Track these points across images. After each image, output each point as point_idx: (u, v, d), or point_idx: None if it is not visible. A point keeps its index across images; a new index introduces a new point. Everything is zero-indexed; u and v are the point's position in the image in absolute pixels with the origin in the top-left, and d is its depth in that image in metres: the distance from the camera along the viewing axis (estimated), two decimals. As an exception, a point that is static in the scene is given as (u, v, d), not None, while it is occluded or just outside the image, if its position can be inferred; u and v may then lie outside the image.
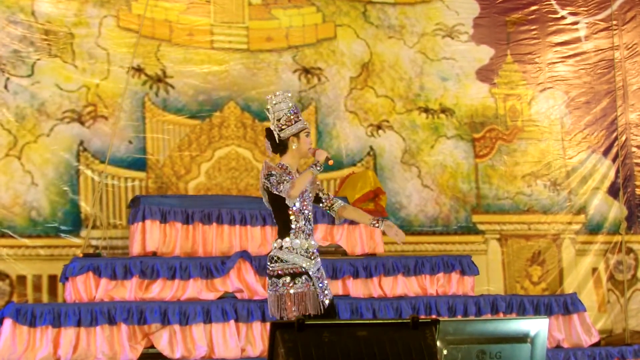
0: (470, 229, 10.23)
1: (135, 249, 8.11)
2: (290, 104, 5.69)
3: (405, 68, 10.39)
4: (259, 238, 8.41)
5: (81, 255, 8.10)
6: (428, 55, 10.48)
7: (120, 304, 7.48)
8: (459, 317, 7.98)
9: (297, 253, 5.53)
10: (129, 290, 7.70)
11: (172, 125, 9.58)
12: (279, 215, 5.65)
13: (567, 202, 10.55)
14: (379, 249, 8.77)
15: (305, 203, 5.64)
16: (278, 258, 5.56)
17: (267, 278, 5.63)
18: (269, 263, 5.61)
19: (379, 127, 10.20)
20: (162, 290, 7.79)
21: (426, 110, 10.37)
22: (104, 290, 7.67)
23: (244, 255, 8.01)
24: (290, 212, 5.57)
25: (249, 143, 9.80)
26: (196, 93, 9.68)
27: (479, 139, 10.47)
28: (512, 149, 10.56)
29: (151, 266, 7.76)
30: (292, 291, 5.47)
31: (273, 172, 5.56)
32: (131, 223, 8.28)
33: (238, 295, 7.92)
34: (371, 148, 10.13)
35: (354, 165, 9.98)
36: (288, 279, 5.48)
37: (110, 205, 9.17)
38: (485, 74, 10.59)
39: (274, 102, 5.74)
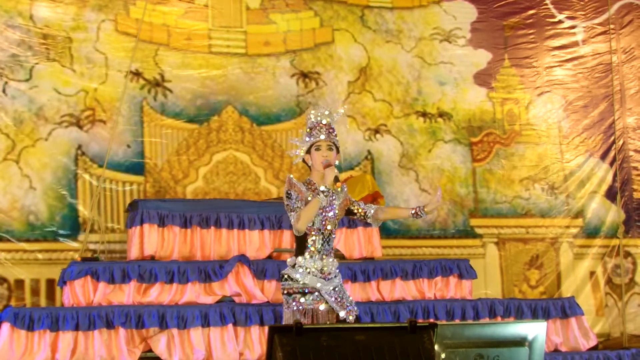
0: (468, 233, 10.25)
1: (133, 253, 8.11)
2: (311, 119, 5.67)
3: (402, 72, 10.40)
4: (257, 242, 8.40)
5: (79, 259, 8.06)
6: (426, 59, 10.50)
7: (118, 307, 7.46)
8: (457, 321, 7.98)
9: (309, 273, 5.48)
10: (126, 294, 7.69)
11: (170, 129, 9.58)
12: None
13: (565, 205, 10.56)
14: (377, 253, 8.76)
15: (325, 222, 5.57)
16: (289, 276, 5.52)
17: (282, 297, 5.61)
18: (281, 280, 5.58)
19: (376, 131, 10.22)
20: (160, 294, 7.77)
21: (424, 114, 10.39)
22: (102, 294, 7.65)
23: (242, 259, 7.99)
24: (307, 231, 5.52)
25: (247, 147, 9.79)
26: (194, 97, 9.68)
27: (477, 143, 10.50)
28: (510, 152, 10.58)
29: (149, 270, 7.75)
30: (302, 307, 5.44)
31: (291, 193, 5.50)
32: (129, 227, 8.27)
33: (236, 299, 7.91)
34: (369, 152, 10.15)
35: (352, 169, 9.98)
36: (298, 296, 5.45)
37: (108, 209, 9.15)
38: (483, 78, 10.61)
39: (307, 119, 5.74)
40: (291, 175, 5.60)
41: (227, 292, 7.93)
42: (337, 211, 5.63)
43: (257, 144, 9.80)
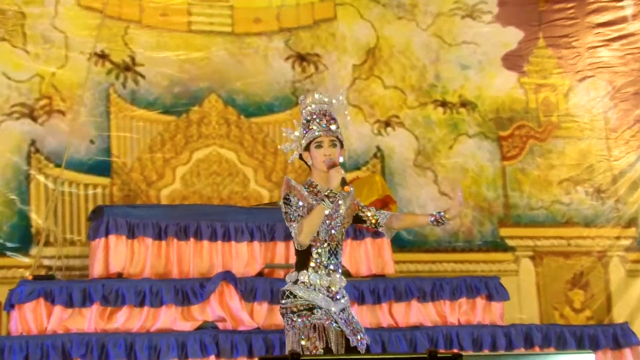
0: (498, 245, 10.18)
1: (97, 270, 8.04)
2: (307, 108, 5.66)
3: (418, 54, 10.36)
4: (245, 256, 8.34)
5: (30, 277, 7.99)
6: (445, 39, 10.47)
7: (77, 336, 7.37)
8: (486, 352, 7.97)
9: (315, 290, 5.47)
10: (88, 319, 7.60)
11: (142, 121, 9.52)
12: None
13: (614, 212, 10.53)
14: (389, 269, 8.69)
15: (331, 233, 5.55)
16: (291, 293, 5.49)
17: (282, 317, 5.58)
18: (280, 299, 5.54)
19: (387, 123, 10.17)
20: (128, 319, 7.68)
21: (443, 103, 10.34)
22: (58, 319, 7.55)
23: (228, 276, 7.90)
24: (312, 242, 5.50)
25: (234, 143, 9.73)
26: (171, 84, 9.63)
27: (507, 137, 10.43)
28: (547, 149, 10.50)
29: (115, 290, 7.67)
30: (310, 321, 5.41)
31: (290, 198, 5.48)
32: (92, 239, 8.20)
33: (220, 325, 7.82)
34: (378, 149, 10.11)
35: (358, 169, 9.93)
36: (305, 311, 5.44)
37: (67, 218, 9.03)
38: (513, 60, 10.56)
39: (302, 108, 5.71)
40: (289, 177, 5.57)
41: (209, 316, 7.83)
42: (343, 218, 5.63)
43: (245, 139, 9.71)
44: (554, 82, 10.62)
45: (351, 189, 5.46)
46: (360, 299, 8.10)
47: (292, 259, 5.62)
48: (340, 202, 5.55)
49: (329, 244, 5.51)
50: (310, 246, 5.47)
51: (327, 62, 10.06)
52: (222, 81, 9.75)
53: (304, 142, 5.57)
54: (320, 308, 5.42)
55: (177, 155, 9.54)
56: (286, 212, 5.45)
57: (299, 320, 5.39)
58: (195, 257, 8.22)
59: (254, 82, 9.82)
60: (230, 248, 8.28)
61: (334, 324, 5.42)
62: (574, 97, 10.65)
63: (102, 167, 9.24)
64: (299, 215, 5.43)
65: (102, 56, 9.42)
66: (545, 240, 10.25)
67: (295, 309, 5.42)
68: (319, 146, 5.51)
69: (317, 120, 5.57)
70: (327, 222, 5.49)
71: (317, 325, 5.39)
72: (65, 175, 9.01)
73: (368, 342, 5.54)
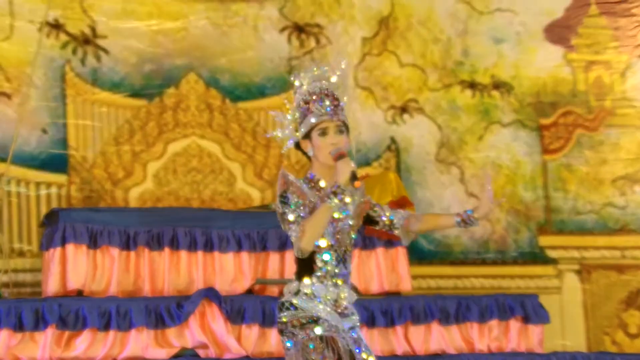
0: (537, 257, 10.24)
1: (52, 287, 8.11)
2: (304, 87, 5.58)
3: (441, 25, 10.42)
4: (231, 270, 8.42)
5: None
6: (475, 6, 10.51)
7: None
8: None
9: (320, 302, 5.46)
10: (41, 346, 7.65)
11: (106, 107, 9.61)
12: None
13: None
14: (405, 285, 8.80)
15: (339, 236, 5.54)
16: (291, 304, 5.46)
17: (280, 336, 5.53)
18: (278, 312, 5.50)
19: (403, 109, 10.25)
20: (90, 345, 7.74)
21: (472, 85, 10.42)
22: (5, 346, 7.59)
23: (210, 294, 7.97)
24: (315, 248, 5.45)
25: (217, 133, 9.82)
26: (140, 61, 9.73)
27: (549, 126, 10.48)
28: (598, 140, 10.53)
29: (75, 311, 7.72)
30: (317, 333, 5.38)
31: (288, 196, 5.42)
32: (45, 249, 8.27)
33: (201, 352, 7.89)
34: (393, 140, 10.20)
35: (369, 165, 10.03)
36: (310, 325, 5.40)
37: (14, 224, 9.14)
38: (559, 32, 10.56)
39: (297, 86, 5.63)
40: (286, 171, 5.48)
41: (188, 342, 7.90)
42: (352, 219, 5.60)
43: (231, 128, 9.80)
44: (609, 59, 10.60)
45: (362, 184, 5.44)
46: (370, 322, 8.13)
47: (288, 274, 5.67)
48: (347, 199, 5.53)
49: (335, 251, 5.49)
50: (313, 253, 5.43)
51: (330, 34, 10.08)
52: (203, 58, 9.80)
53: (303, 129, 5.52)
54: (327, 321, 5.39)
55: (148, 148, 9.62)
56: (283, 213, 5.39)
57: (302, 333, 5.37)
58: (171, 270, 8.30)
59: (242, 59, 9.86)
60: (214, 260, 8.37)
61: (343, 340, 5.38)
62: (633, 77, 10.59)
63: (57, 162, 9.33)
64: (299, 216, 5.39)
65: (56, 26, 9.50)
66: (594, 251, 10.29)
67: (296, 323, 5.40)
68: (324, 133, 5.47)
69: (319, 102, 5.53)
70: (332, 224, 5.47)
71: (324, 337, 5.36)
72: (12, 172, 9.11)
73: None
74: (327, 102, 5.53)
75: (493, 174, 10.21)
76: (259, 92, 9.91)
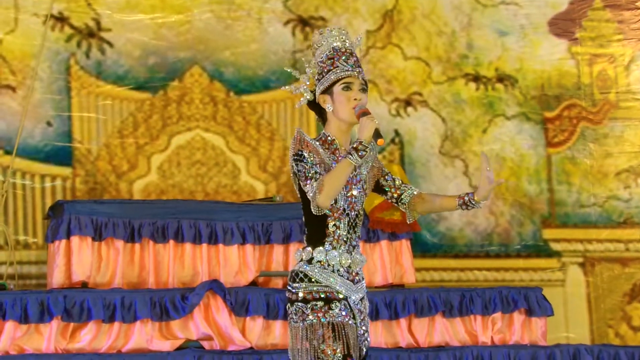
0: (541, 250, 10.23)
1: (57, 279, 8.14)
2: (328, 41, 5.51)
3: (445, 17, 10.42)
4: (235, 262, 8.45)
5: None
6: None
7: (33, 358, 7.49)
8: None
9: (333, 271, 5.42)
10: (46, 338, 7.70)
11: (111, 99, 9.62)
12: (310, 213, 5.44)
13: None
14: (409, 278, 8.82)
15: (352, 201, 5.52)
16: (305, 275, 5.42)
17: (287, 305, 5.50)
18: (290, 282, 5.48)
19: (407, 102, 10.28)
20: (94, 337, 7.81)
21: (476, 78, 10.43)
22: (10, 338, 7.65)
23: (214, 286, 8.00)
24: (328, 211, 5.44)
25: (221, 126, 9.82)
26: (145, 54, 9.73)
27: (553, 119, 10.49)
28: (602, 133, 10.53)
29: (79, 303, 7.76)
30: (326, 319, 5.36)
31: (304, 154, 5.38)
32: (50, 241, 8.31)
33: (205, 344, 7.93)
34: (396, 133, 10.22)
35: None
36: (320, 303, 5.38)
37: (19, 216, 9.17)
38: (563, 25, 10.57)
39: (316, 46, 5.57)
40: (301, 129, 5.47)
41: (193, 334, 7.95)
42: (364, 183, 5.58)
43: (235, 121, 9.82)
44: (613, 52, 10.59)
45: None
46: (374, 314, 8.12)
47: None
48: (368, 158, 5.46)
49: (347, 214, 5.48)
50: (325, 217, 5.42)
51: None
52: (207, 51, 9.79)
53: (325, 82, 5.44)
54: (339, 300, 5.38)
55: (152, 141, 9.62)
56: (299, 171, 5.37)
57: (312, 316, 5.35)
58: (176, 263, 8.34)
59: (246, 52, 9.87)
60: (218, 252, 8.41)
61: (352, 321, 5.38)
62: (637, 70, 10.59)
63: (61, 155, 9.34)
64: (316, 172, 5.35)
65: (61, 19, 9.48)
66: (598, 244, 10.29)
67: (309, 297, 5.37)
68: (348, 88, 5.41)
69: (344, 58, 5.47)
70: (345, 186, 5.45)
71: (335, 325, 5.35)
72: (17, 164, 9.12)
73: (367, 347, 5.51)
74: (352, 60, 5.49)
75: (497, 167, 10.16)
76: (263, 85, 9.90)
